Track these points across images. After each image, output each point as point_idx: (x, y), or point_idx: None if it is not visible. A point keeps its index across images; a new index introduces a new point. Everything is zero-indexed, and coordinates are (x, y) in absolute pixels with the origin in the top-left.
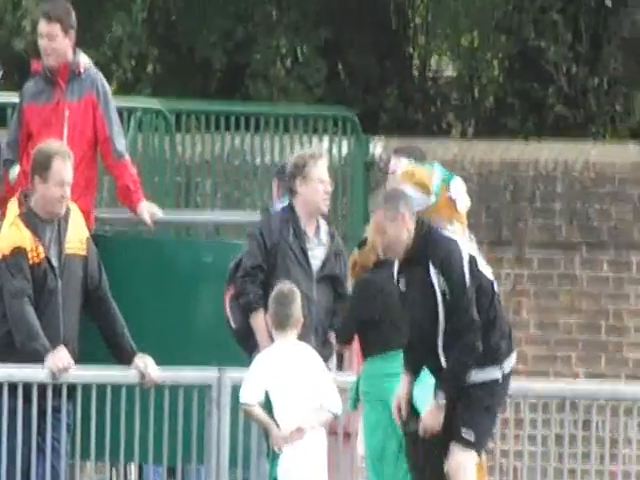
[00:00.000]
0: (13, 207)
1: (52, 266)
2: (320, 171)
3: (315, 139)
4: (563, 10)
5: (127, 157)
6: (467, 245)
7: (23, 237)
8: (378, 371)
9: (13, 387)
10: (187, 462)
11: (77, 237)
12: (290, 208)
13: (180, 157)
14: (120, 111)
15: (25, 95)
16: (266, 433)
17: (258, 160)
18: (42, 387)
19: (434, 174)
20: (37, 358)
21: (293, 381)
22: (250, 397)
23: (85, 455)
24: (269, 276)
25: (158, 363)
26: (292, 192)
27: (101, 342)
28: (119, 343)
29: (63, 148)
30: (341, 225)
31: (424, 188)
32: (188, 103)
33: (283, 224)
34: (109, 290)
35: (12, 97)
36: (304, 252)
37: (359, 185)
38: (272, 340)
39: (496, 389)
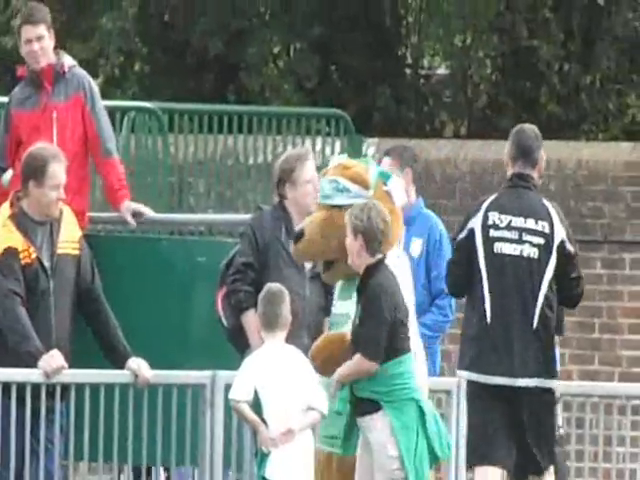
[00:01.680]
0: (4, 209)
1: (44, 267)
2: (308, 172)
3: (308, 139)
4: (555, 8)
5: (115, 156)
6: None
7: (14, 238)
8: (407, 369)
9: (6, 388)
10: (181, 463)
11: (70, 237)
12: (281, 207)
13: (173, 158)
14: (113, 111)
15: (12, 101)
16: (255, 432)
17: (251, 160)
18: (36, 388)
19: (370, 169)
20: (30, 359)
21: (282, 382)
22: (239, 394)
23: (79, 456)
24: (261, 274)
25: (151, 363)
26: (281, 196)
27: (94, 344)
28: (112, 344)
29: (56, 151)
30: None
31: (362, 181)
32: (181, 104)
33: (275, 222)
34: (102, 291)
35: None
36: None
37: None
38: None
39: None
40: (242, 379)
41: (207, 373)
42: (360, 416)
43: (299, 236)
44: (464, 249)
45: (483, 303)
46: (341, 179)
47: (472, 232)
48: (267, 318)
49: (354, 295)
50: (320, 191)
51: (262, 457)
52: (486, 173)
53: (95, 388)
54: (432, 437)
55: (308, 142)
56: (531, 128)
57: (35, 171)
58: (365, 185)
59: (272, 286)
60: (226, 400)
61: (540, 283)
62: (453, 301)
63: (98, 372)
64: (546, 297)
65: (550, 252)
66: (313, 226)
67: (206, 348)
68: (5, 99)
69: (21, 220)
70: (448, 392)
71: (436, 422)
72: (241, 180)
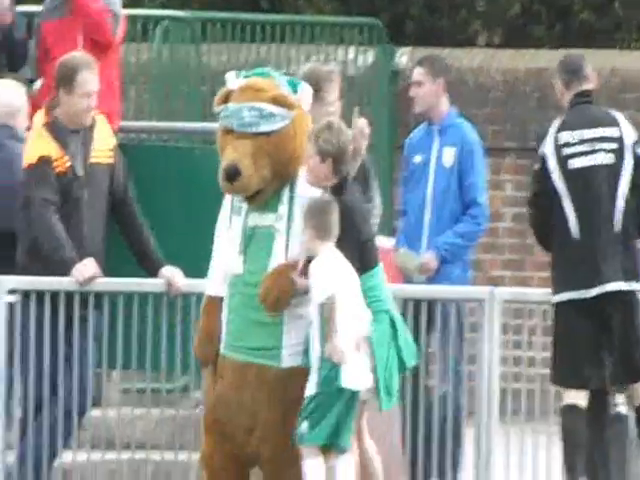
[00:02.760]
0: (39, 118)
1: (77, 175)
2: (334, 93)
3: (341, 48)
4: None
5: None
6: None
7: (48, 146)
8: (379, 282)
9: (40, 296)
10: None
11: (103, 146)
12: None
13: (205, 67)
14: (146, 20)
15: (42, 11)
16: (321, 339)
17: (284, 70)
18: (69, 296)
19: (280, 83)
20: (63, 268)
21: (349, 288)
22: (332, 290)
23: (112, 364)
24: None
25: (184, 272)
26: None
27: (128, 253)
28: (145, 253)
29: (87, 58)
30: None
31: (286, 103)
32: (214, 12)
33: None
34: (135, 199)
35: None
36: None
37: (384, 94)
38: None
39: None
40: (324, 281)
41: None
42: None
43: (235, 174)
44: (541, 178)
45: (567, 222)
46: (263, 105)
47: (544, 158)
48: (323, 228)
49: (280, 208)
50: (235, 118)
51: (333, 368)
52: (518, 82)
53: (129, 296)
54: (402, 347)
55: (341, 51)
56: (571, 52)
57: (65, 79)
58: (290, 106)
59: (323, 196)
60: None
61: (618, 187)
62: (486, 210)
63: (132, 280)
64: (626, 201)
65: (624, 155)
66: (246, 161)
67: None
68: (37, 8)
69: (55, 129)
70: (480, 301)
71: (404, 332)
72: None
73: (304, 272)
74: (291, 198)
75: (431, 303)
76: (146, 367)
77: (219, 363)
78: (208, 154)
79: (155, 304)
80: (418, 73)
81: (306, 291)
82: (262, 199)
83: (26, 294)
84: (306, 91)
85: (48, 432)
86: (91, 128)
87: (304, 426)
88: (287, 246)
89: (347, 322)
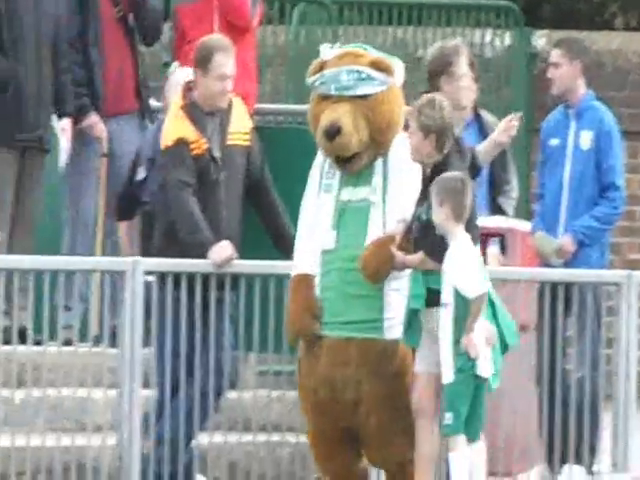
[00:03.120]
0: (176, 100)
1: (214, 158)
2: (464, 66)
3: (477, 31)
4: None
5: None
6: None
7: (185, 128)
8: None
9: (177, 278)
10: None
11: (240, 128)
12: None
13: None
14: (283, 3)
15: None
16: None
17: (420, 52)
18: (206, 278)
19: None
20: (200, 250)
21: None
22: (485, 287)
23: (249, 347)
24: None
25: None
26: (435, 88)
27: (265, 235)
28: (282, 235)
29: (224, 41)
30: (503, 116)
31: (386, 68)
32: None
33: None
34: (272, 182)
35: None
36: (457, 142)
37: (521, 77)
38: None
39: None
40: (476, 275)
41: None
42: (431, 306)
43: (336, 131)
44: None
45: None
46: (363, 68)
47: None
48: (459, 208)
49: (374, 180)
50: (333, 82)
51: (470, 359)
52: None
53: (265, 279)
54: (502, 327)
55: (477, 34)
56: None
57: (201, 61)
58: (390, 71)
59: (458, 175)
60: None
61: None
62: (623, 193)
63: (268, 263)
64: None
65: None
66: (346, 119)
67: None
68: None
69: (192, 111)
70: (617, 285)
71: (503, 312)
72: (410, 72)
73: (402, 247)
74: (385, 170)
75: (568, 286)
76: (283, 350)
77: (314, 344)
78: None
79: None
80: (556, 54)
81: (403, 267)
82: (357, 166)
83: (163, 276)
84: (399, 66)
85: (184, 414)
86: (228, 110)
87: (448, 417)
88: (384, 218)
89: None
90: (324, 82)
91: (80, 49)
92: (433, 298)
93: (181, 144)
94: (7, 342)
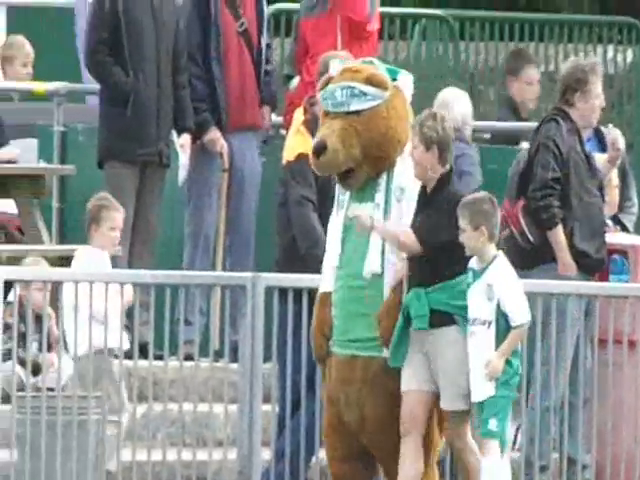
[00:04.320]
0: (298, 115)
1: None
2: (599, 86)
3: (599, 47)
4: None
5: None
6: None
7: (307, 144)
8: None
9: (298, 294)
10: None
11: None
12: (568, 116)
13: (464, 65)
14: (404, 18)
15: (301, 9)
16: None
17: (542, 68)
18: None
19: (379, 69)
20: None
21: None
22: (529, 316)
23: None
24: (564, 187)
25: None
26: (568, 104)
27: None
28: None
29: (349, 58)
30: (626, 132)
31: (380, 83)
32: (472, 11)
33: (569, 133)
34: None
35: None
36: (589, 160)
37: None
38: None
39: None
40: (523, 304)
41: None
42: (434, 328)
43: (321, 149)
44: None
45: None
46: (356, 84)
47: None
48: (494, 230)
49: (377, 197)
50: (330, 99)
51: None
52: None
53: None
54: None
55: (599, 50)
56: None
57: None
58: (383, 86)
59: (485, 195)
60: None
61: None
62: None
63: None
64: None
65: None
66: (334, 137)
67: None
68: (296, 5)
69: (314, 126)
70: None
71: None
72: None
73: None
74: (388, 187)
75: None
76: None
77: (328, 360)
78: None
79: None
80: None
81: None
82: (354, 182)
83: (283, 291)
84: (405, 79)
85: (305, 429)
86: None
87: (493, 422)
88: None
89: None
90: (325, 98)
91: (201, 63)
92: (434, 319)
93: (303, 159)
94: (129, 357)
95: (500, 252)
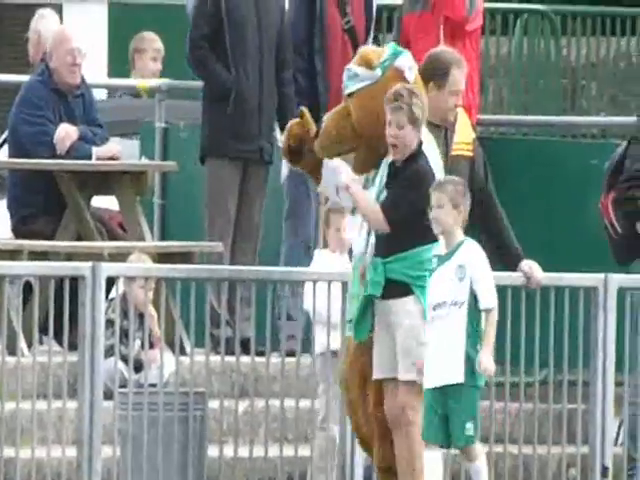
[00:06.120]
0: None
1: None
2: None
3: None
4: None
5: None
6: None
7: None
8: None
9: None
10: (573, 365)
11: (464, 139)
12: None
13: (566, 60)
14: (507, 14)
15: (404, 5)
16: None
17: None
18: None
19: (384, 51)
20: None
21: None
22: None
23: None
24: None
25: (542, 266)
26: None
27: (485, 246)
28: (505, 245)
29: (458, 56)
30: None
31: (367, 63)
32: (574, 6)
33: None
34: (494, 192)
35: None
36: None
37: None
38: None
39: None
40: (491, 284)
41: (599, 276)
42: (389, 298)
43: (317, 131)
44: None
45: None
46: (352, 66)
47: None
48: (464, 212)
49: (376, 180)
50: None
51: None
52: None
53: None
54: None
55: None
56: None
57: (437, 75)
58: (370, 66)
59: (461, 180)
60: (618, 303)
61: None
62: None
63: (493, 273)
64: None
65: None
66: (328, 120)
67: (596, 251)
68: (398, 1)
69: None
70: None
71: None
72: (634, 82)
73: None
74: (383, 170)
75: None
76: (505, 361)
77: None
78: (568, 147)
79: (513, 298)
80: None
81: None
82: (358, 164)
83: None
84: (404, 59)
85: None
86: (453, 122)
87: (469, 427)
88: None
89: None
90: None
91: (306, 57)
92: (390, 289)
93: None
94: (230, 353)
95: (468, 238)
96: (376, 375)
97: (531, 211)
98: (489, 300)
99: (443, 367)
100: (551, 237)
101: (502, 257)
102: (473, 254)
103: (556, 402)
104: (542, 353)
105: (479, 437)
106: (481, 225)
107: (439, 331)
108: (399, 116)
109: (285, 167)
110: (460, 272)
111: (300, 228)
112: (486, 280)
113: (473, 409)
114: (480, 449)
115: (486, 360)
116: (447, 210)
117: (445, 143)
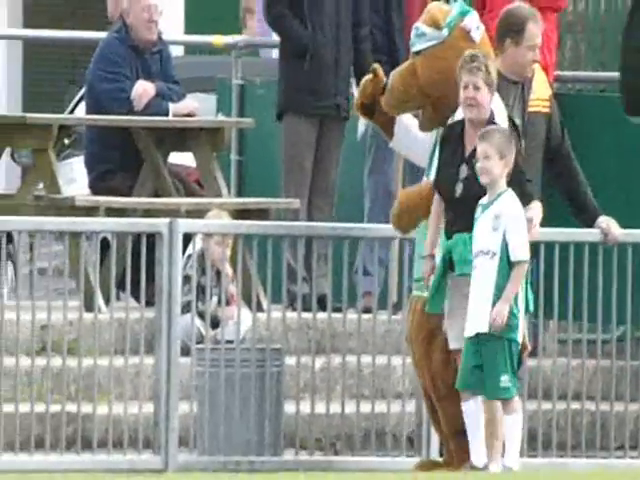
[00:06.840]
0: None
1: (515, 125)
2: None
3: None
4: None
5: None
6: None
7: None
8: None
9: None
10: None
11: (540, 95)
12: None
13: None
14: None
15: None
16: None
17: None
18: None
19: (451, 10)
20: None
21: None
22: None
23: (548, 314)
24: None
25: (619, 222)
26: None
27: (563, 204)
28: (582, 203)
29: (534, 11)
30: None
31: (435, 23)
32: None
33: None
34: (572, 150)
35: None
36: None
37: None
38: None
39: None
40: (526, 237)
41: None
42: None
43: (383, 88)
44: None
45: None
46: (420, 24)
47: None
48: (509, 162)
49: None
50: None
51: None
52: None
53: (564, 246)
54: (527, 289)
55: None
56: None
57: (513, 30)
58: (437, 25)
59: (508, 130)
60: None
61: None
62: None
63: (568, 230)
64: None
65: None
66: (395, 77)
67: None
68: None
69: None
70: None
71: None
72: None
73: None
74: (437, 134)
75: None
76: (583, 318)
77: None
78: None
79: (591, 254)
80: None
81: None
82: (425, 122)
83: None
84: (471, 19)
85: None
86: (530, 78)
87: (504, 379)
88: None
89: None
90: None
91: (383, 14)
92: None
93: None
94: (307, 309)
95: (509, 189)
96: (452, 345)
97: (608, 168)
98: (520, 252)
99: (474, 316)
100: (628, 194)
101: (579, 214)
102: (510, 205)
103: (633, 359)
104: (619, 310)
105: (518, 391)
106: (558, 182)
107: (474, 280)
108: (476, 78)
109: (362, 124)
110: (495, 222)
111: (382, 183)
112: (520, 233)
113: (510, 362)
114: (518, 403)
115: (497, 311)
116: (494, 162)
117: (522, 99)
